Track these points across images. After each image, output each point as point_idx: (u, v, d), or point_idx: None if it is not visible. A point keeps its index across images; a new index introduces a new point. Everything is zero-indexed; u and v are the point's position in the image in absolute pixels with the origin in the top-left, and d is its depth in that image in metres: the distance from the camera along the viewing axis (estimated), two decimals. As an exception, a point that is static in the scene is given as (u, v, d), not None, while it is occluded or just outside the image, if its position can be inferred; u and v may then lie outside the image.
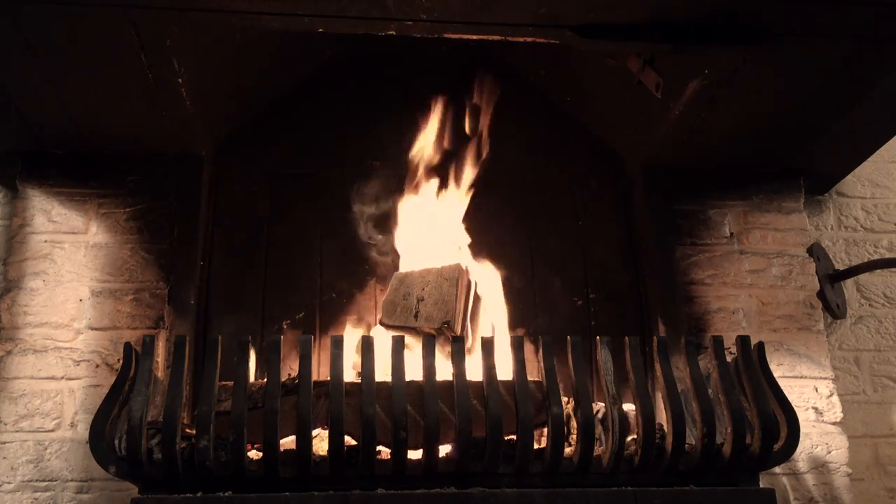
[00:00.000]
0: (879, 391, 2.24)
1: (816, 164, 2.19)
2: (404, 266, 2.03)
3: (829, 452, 1.97)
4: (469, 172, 2.18)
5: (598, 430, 1.60)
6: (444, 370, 1.57)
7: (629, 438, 1.57)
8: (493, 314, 2.02)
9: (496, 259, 2.11)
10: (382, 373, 1.59)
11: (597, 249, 2.23)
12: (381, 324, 1.87)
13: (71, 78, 1.74)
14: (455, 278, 1.87)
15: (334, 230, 2.17)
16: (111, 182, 2.02)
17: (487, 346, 1.58)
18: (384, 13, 1.58)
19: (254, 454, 1.54)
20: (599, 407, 1.64)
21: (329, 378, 1.51)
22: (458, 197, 2.15)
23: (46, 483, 1.78)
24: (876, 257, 2.36)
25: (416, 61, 2.25)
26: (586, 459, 1.53)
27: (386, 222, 2.16)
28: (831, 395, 2.02)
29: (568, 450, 1.57)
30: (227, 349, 1.56)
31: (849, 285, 2.32)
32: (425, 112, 2.24)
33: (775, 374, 1.66)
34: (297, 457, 1.47)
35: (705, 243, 2.14)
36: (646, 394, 1.56)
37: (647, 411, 1.53)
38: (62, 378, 1.85)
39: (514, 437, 1.52)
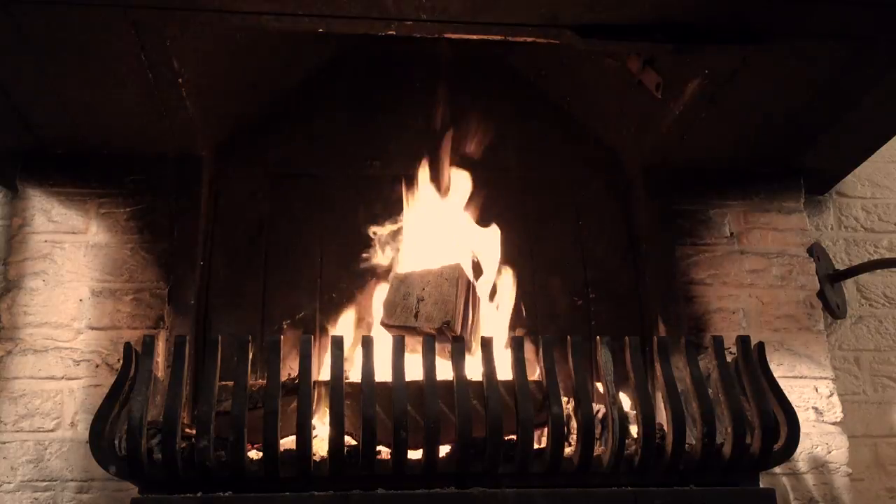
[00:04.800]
0: (879, 391, 2.24)
1: (816, 164, 2.19)
2: (404, 266, 2.03)
3: (829, 452, 1.97)
4: (469, 172, 2.17)
5: (598, 430, 1.60)
6: (445, 370, 1.57)
7: (629, 438, 1.57)
8: (493, 314, 2.01)
9: (496, 259, 2.10)
10: (382, 373, 1.59)
11: (597, 249, 2.23)
12: (382, 324, 1.86)
13: (71, 78, 1.74)
14: (455, 278, 1.86)
15: (334, 230, 2.17)
16: (111, 182, 2.02)
17: (487, 346, 1.58)
18: (384, 13, 1.58)
19: (254, 454, 1.54)
20: (599, 407, 1.64)
21: (329, 378, 1.51)
22: (458, 197, 2.14)
23: (46, 483, 1.78)
24: (876, 257, 2.36)
25: (416, 61, 2.25)
26: (586, 459, 1.53)
27: (386, 223, 2.16)
28: (831, 395, 2.02)
29: (568, 450, 1.57)
30: (227, 349, 1.56)
31: (849, 285, 2.32)
32: (425, 112, 2.24)
33: (775, 374, 1.66)
34: (297, 457, 1.47)
35: (705, 243, 2.14)
36: (646, 394, 1.56)
37: (647, 411, 1.53)
38: (62, 378, 1.85)
39: (514, 437, 1.52)
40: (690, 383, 1.59)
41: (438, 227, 2.08)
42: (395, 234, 2.13)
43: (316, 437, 1.56)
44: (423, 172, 2.15)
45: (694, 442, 1.59)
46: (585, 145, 2.33)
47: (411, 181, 2.15)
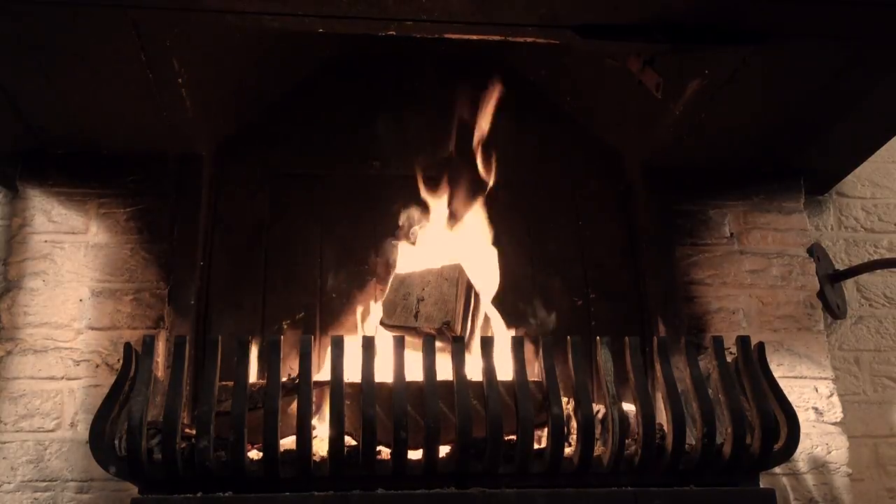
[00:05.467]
0: (879, 391, 2.24)
1: (816, 164, 2.19)
2: (404, 267, 2.03)
3: (829, 452, 1.97)
4: (469, 173, 2.17)
5: (598, 430, 1.59)
6: (445, 370, 1.57)
7: (629, 438, 1.57)
8: (493, 314, 2.01)
9: (496, 259, 2.10)
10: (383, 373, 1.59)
11: (597, 249, 2.23)
12: (382, 324, 1.86)
13: (71, 78, 1.74)
14: (455, 278, 1.87)
15: (334, 230, 2.17)
16: (111, 182, 2.02)
17: (487, 346, 1.58)
18: (384, 13, 1.58)
19: (254, 454, 1.54)
20: (599, 407, 1.64)
21: (329, 378, 1.51)
22: (458, 197, 2.15)
23: (46, 483, 1.78)
24: (876, 257, 2.36)
25: (416, 61, 2.25)
26: (586, 459, 1.53)
27: (386, 223, 2.15)
28: (831, 395, 2.02)
29: (568, 450, 1.57)
30: (227, 349, 1.56)
31: (849, 285, 2.32)
32: (425, 112, 2.24)
33: (775, 374, 1.66)
34: (297, 457, 1.47)
35: (705, 243, 2.14)
36: (646, 394, 1.56)
37: (647, 411, 1.53)
38: (62, 378, 1.85)
39: (514, 437, 1.52)
40: (690, 383, 1.59)
41: (436, 231, 2.09)
42: (396, 235, 2.13)
43: (316, 437, 1.56)
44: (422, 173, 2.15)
45: (694, 442, 1.59)
46: (585, 145, 2.33)
47: (410, 183, 2.15)
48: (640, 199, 2.20)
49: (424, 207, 2.13)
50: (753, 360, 1.64)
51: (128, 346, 1.60)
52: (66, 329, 1.89)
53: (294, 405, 1.50)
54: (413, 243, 2.09)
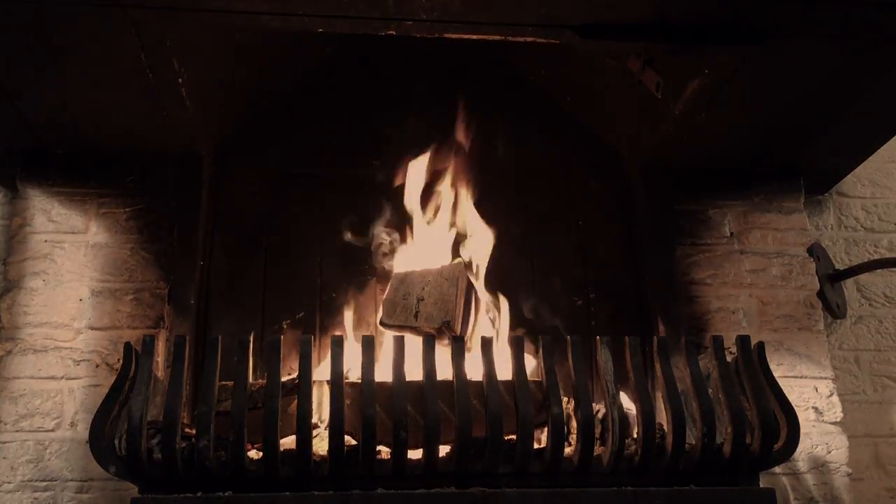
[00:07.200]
0: (879, 391, 2.24)
1: (816, 164, 2.19)
2: (404, 266, 2.03)
3: (829, 452, 1.97)
4: (469, 172, 2.17)
5: (598, 430, 1.59)
6: (445, 370, 1.57)
7: (629, 438, 1.57)
8: (493, 314, 2.02)
9: (496, 259, 2.10)
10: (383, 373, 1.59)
11: (597, 249, 2.23)
12: (382, 324, 1.87)
13: (71, 77, 1.74)
14: (455, 278, 1.87)
15: (334, 230, 2.17)
16: (111, 182, 2.02)
17: (487, 346, 1.58)
18: (384, 13, 1.58)
19: (254, 454, 1.54)
20: (599, 407, 1.64)
21: (329, 378, 1.51)
22: (458, 197, 2.14)
23: (46, 483, 1.78)
24: (876, 257, 2.37)
25: (416, 61, 2.25)
26: (586, 459, 1.53)
27: (386, 222, 2.16)
28: (831, 394, 2.02)
29: (568, 450, 1.57)
30: (227, 349, 1.56)
31: (849, 285, 2.32)
32: (425, 112, 2.24)
33: (775, 374, 1.66)
34: (297, 457, 1.47)
35: (705, 243, 2.14)
36: (646, 394, 1.56)
37: (647, 411, 1.53)
38: (62, 378, 1.85)
39: (514, 437, 1.52)
40: (690, 383, 1.59)
41: (434, 230, 2.09)
42: (395, 235, 2.13)
43: (316, 436, 1.55)
44: (420, 174, 2.15)
45: (694, 442, 1.59)
46: (585, 145, 2.33)
47: (409, 184, 2.15)
48: (640, 199, 2.20)
49: (422, 208, 2.13)
50: (753, 360, 1.64)
51: (128, 345, 1.60)
52: (66, 329, 1.89)
53: (294, 405, 1.50)
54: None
